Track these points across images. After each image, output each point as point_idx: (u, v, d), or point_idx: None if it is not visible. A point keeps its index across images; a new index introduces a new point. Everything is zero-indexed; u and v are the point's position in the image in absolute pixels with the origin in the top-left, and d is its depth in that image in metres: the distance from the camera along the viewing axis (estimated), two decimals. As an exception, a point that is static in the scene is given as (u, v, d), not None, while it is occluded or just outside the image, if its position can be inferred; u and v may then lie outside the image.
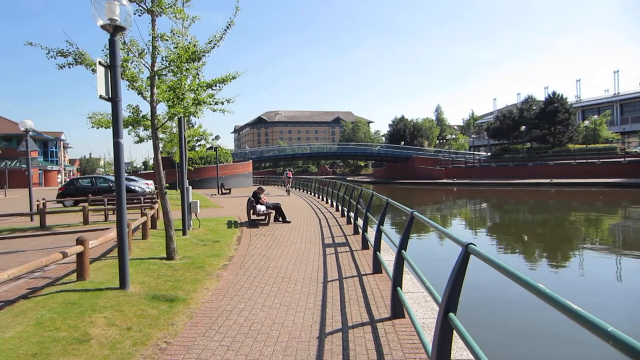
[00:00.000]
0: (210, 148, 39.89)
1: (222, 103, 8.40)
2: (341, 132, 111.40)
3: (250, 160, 50.37)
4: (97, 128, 8.63)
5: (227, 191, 30.24)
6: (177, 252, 7.45)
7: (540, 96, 58.91)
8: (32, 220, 14.73)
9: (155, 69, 7.23)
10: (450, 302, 2.62)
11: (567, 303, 1.45)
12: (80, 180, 23.49)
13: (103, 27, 5.42)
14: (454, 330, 2.58)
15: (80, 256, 5.59)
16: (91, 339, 3.84)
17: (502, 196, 35.13)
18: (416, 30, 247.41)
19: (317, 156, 70.25)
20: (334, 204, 17.20)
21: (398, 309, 4.46)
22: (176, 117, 8.84)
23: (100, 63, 5.43)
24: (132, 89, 7.27)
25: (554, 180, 39.63)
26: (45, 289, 5.42)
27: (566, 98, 51.54)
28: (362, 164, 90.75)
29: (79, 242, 5.55)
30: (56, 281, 5.84)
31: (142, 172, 67.99)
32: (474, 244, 2.54)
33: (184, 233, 10.00)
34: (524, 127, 50.67)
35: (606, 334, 1.22)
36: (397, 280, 4.46)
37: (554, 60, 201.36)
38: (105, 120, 8.16)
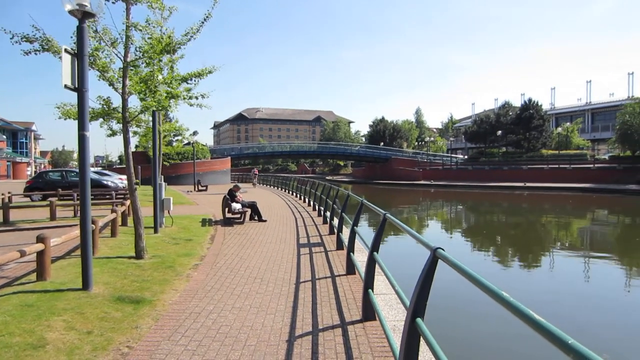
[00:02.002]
0: (188, 144, 39.27)
1: (197, 98, 8.25)
2: (322, 131, 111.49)
3: (229, 157, 49.80)
4: (66, 119, 8.31)
5: (204, 188, 29.81)
6: (147, 251, 7.25)
7: (517, 102, 60.28)
8: (-5, 214, 14.12)
9: (128, 59, 7.00)
10: (417, 307, 2.58)
11: (528, 312, 1.41)
12: (49, 174, 22.72)
13: (71, 12, 5.20)
14: (421, 336, 2.54)
15: (40, 255, 5.35)
16: (47, 344, 3.65)
17: (477, 198, 35.79)
18: (399, 33, 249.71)
19: (297, 155, 70.12)
20: (312, 203, 17.14)
21: (369, 311, 4.43)
22: (150, 111, 8.62)
23: (66, 50, 5.21)
24: (103, 79, 7.02)
25: (527, 184, 40.63)
26: (1, 290, 5.16)
27: (541, 105, 52.93)
28: (342, 163, 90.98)
29: (40, 239, 5.30)
30: (14, 281, 5.57)
31: (116, 166, 66.42)
32: (442, 249, 2.51)
33: (156, 231, 9.76)
34: (500, 131, 51.76)
35: (566, 347, 1.18)
36: (368, 282, 4.43)
37: (530, 69, 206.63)
38: (74, 111, 7.86)
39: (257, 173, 41.55)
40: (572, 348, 1.16)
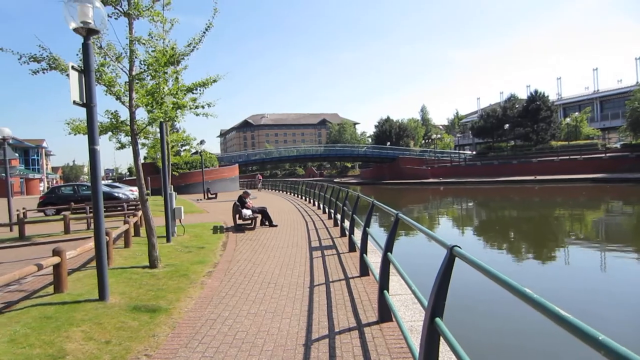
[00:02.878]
0: (196, 153, 39.52)
1: (204, 107, 8.30)
2: (327, 134, 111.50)
3: (237, 164, 50.04)
4: (75, 134, 8.41)
5: (213, 196, 29.95)
6: (160, 260, 7.28)
7: (523, 95, 59.87)
8: (11, 230, 14.33)
9: (133, 73, 7.06)
10: (436, 306, 2.55)
11: (554, 309, 1.38)
12: (62, 189, 22.99)
13: (76, 30, 5.26)
14: (441, 336, 2.51)
15: (57, 268, 5.40)
16: (67, 354, 3.67)
17: (487, 194, 35.49)
18: (401, 33, 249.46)
19: (304, 158, 70.17)
20: (321, 206, 17.12)
21: (385, 312, 4.39)
22: (157, 122, 8.68)
23: (73, 67, 5.27)
24: (110, 94, 7.09)
25: (538, 177, 40.21)
26: (20, 303, 5.21)
27: (548, 96, 52.45)
28: (349, 165, 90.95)
29: (56, 253, 5.35)
30: (32, 294, 5.63)
31: (126, 178, 67.08)
32: (458, 246, 2.47)
33: (168, 240, 9.81)
34: (507, 125, 51.39)
35: (597, 343, 1.15)
36: (383, 284, 4.39)
37: (535, 60, 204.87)
38: (83, 126, 7.94)
39: (261, 178, 46.54)
40: (603, 344, 1.12)
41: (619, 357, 1.06)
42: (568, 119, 52.47)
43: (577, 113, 54.43)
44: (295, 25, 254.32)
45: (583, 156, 42.28)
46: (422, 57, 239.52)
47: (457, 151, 64.00)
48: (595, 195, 28.73)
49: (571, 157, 43.18)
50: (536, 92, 52.30)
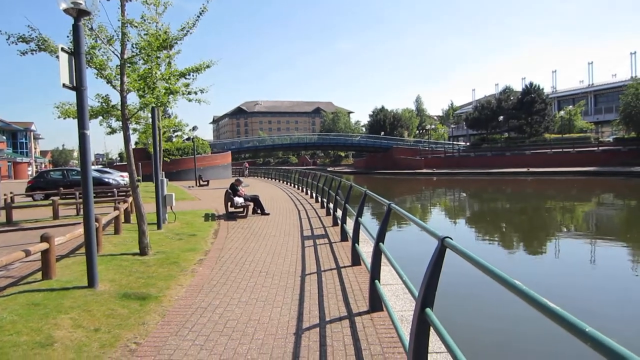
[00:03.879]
0: (188, 139, 39.19)
1: (196, 93, 8.20)
2: (321, 122, 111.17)
3: (229, 151, 49.73)
4: (65, 118, 8.30)
5: (205, 183, 29.84)
6: (151, 247, 7.27)
7: (518, 87, 60.03)
8: (-2, 215, 14.17)
9: (125, 56, 6.95)
10: (426, 297, 2.57)
11: (543, 301, 1.40)
12: (51, 173, 22.76)
13: (66, 10, 5.15)
14: (431, 326, 2.54)
15: (45, 254, 5.36)
16: (55, 342, 3.66)
17: (480, 185, 35.74)
18: (398, 23, 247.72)
19: (298, 147, 69.99)
20: (314, 195, 17.14)
21: (376, 302, 4.43)
22: (149, 107, 8.59)
23: (63, 49, 5.17)
24: (101, 77, 6.99)
25: (531, 170, 40.53)
26: (7, 290, 5.18)
27: (542, 89, 52.60)
28: (343, 154, 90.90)
29: (44, 239, 5.31)
30: (20, 281, 5.60)
31: (117, 163, 66.50)
32: (450, 238, 2.49)
33: (159, 227, 9.79)
34: (501, 117, 51.56)
35: (584, 335, 1.17)
36: (375, 273, 4.42)
37: (531, 53, 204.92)
38: (73, 110, 7.83)
39: (247, 166, 48.27)
40: (589, 335, 1.14)
41: (605, 349, 1.08)
42: (562, 112, 52.75)
43: (571, 106, 54.66)
44: (290, 11, 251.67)
45: (576, 149, 42.65)
46: (419, 46, 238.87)
47: (451, 142, 64.13)
48: (587, 188, 29.07)
49: (564, 150, 43.54)
50: (531, 84, 52.42)
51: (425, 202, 26.63)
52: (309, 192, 19.27)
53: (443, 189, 34.86)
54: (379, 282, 4.40)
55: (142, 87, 7.10)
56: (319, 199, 15.22)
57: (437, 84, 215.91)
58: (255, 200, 12.72)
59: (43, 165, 71.88)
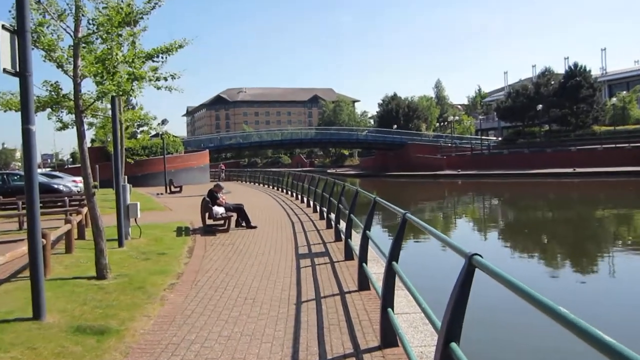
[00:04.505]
0: (156, 135, 39.18)
1: (166, 79, 8.23)
2: (320, 113, 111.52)
3: (207, 150, 49.85)
4: (5, 111, 8.32)
5: (178, 189, 29.85)
6: (111, 270, 7.26)
7: (560, 69, 60.19)
8: None
9: (80, 35, 6.97)
10: (451, 328, 2.57)
11: (598, 334, 1.39)
12: (-14, 178, 22.71)
13: (5, -20, 5.17)
14: (457, 365, 2.53)
15: (-20, 278, 5.34)
16: (-8, 387, 3.65)
17: (515, 190, 35.85)
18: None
19: (291, 144, 70.26)
20: (311, 203, 17.15)
21: (389, 335, 4.42)
22: (109, 97, 8.61)
23: (3, 27, 5.18)
24: (50, 60, 7.01)
25: (577, 170, 40.61)
26: None
27: (590, 71, 52.79)
28: (347, 153, 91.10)
29: (-21, 260, 5.29)
30: (-51, 311, 5.58)
31: (69, 166, 66.49)
32: (479, 255, 2.49)
33: (121, 244, 9.78)
34: (540, 105, 51.68)
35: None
36: (387, 300, 4.42)
37: (576, 27, 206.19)
38: (16, 101, 7.86)
39: (224, 168, 50.43)
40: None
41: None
42: (614, 99, 53.03)
43: (625, 92, 54.90)
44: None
45: (632, 144, 42.71)
46: (439, 22, 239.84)
47: (479, 137, 64.43)
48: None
49: (617, 145, 43.63)
50: (576, 65, 52.67)
51: (448, 211, 26.67)
52: (305, 199, 19.28)
53: (470, 195, 34.95)
54: (393, 310, 4.39)
55: (100, 71, 7.12)
56: (318, 208, 15.23)
57: (461, 66, 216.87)
58: (239, 210, 12.73)
59: (-22, 169, 71.85)
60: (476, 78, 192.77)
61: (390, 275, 4.39)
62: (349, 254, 8.25)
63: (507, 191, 35.85)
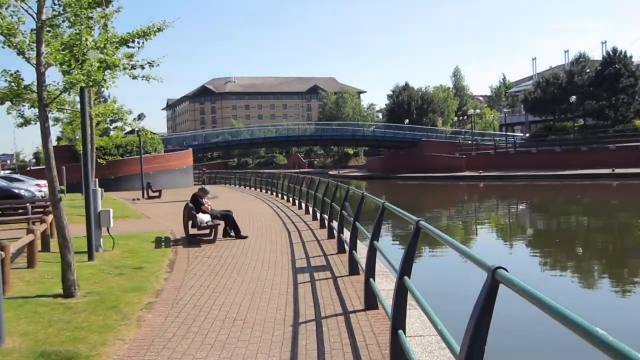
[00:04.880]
0: (131, 132, 39.24)
1: (143, 67, 8.23)
2: (320, 106, 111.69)
3: (190, 149, 49.86)
4: (-42, 105, 8.34)
5: (156, 194, 29.88)
6: (79, 286, 7.25)
7: (597, 54, 60.31)
8: None
9: (43, 17, 6.97)
10: (472, 354, 2.56)
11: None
12: (-63, 182, 22.73)
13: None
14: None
15: None
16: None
17: (545, 194, 35.85)
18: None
19: (287, 141, 70.22)
20: (310, 209, 17.15)
21: (400, 361, 4.41)
22: (77, 88, 8.61)
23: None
24: (10, 47, 7.02)
25: (617, 171, 40.59)
26: None
27: (631, 57, 52.86)
28: (351, 151, 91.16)
29: None
30: None
31: (32, 167, 66.54)
32: (503, 268, 2.49)
33: (91, 257, 9.77)
34: (574, 97, 51.72)
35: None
36: (398, 320, 4.41)
37: (615, 9, 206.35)
38: (-30, 94, 7.87)
39: (205, 170, 53.34)
40: None
41: None
42: (660, 89, 52.95)
43: (672, 81, 54.88)
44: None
45: (680, 142, 42.71)
46: (457, 2, 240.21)
47: (503, 133, 64.38)
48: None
49: (664, 142, 43.59)
50: (615, 50, 52.73)
51: (468, 218, 26.67)
52: (303, 205, 19.28)
53: (493, 200, 34.95)
54: (404, 332, 4.39)
55: (67, 59, 7.12)
56: (318, 215, 15.24)
57: (483, 51, 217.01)
58: (227, 217, 12.72)
59: None
60: (500, 65, 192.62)
61: (401, 292, 4.38)
62: (353, 268, 8.26)
63: (536, 195, 35.87)
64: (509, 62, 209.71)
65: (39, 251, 9.86)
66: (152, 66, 8.34)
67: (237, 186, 41.49)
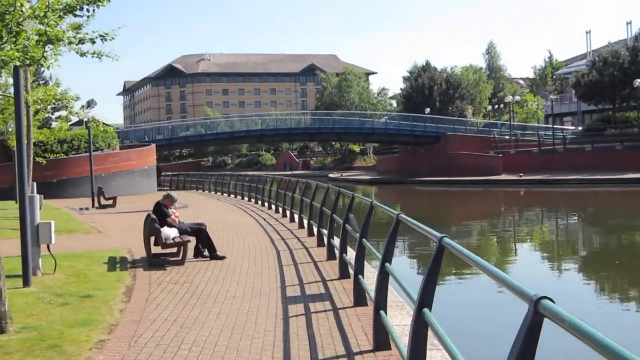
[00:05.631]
0: (79, 123, 39.17)
1: (94, 41, 8.24)
2: (319, 91, 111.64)
3: (153, 145, 49.77)
4: None
5: (110, 202, 29.85)
6: (12, 320, 7.24)
7: (667, 26, 60.32)
8: None
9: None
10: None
11: None
12: None
13: None
14: None
15: None
16: None
17: (603, 203, 35.85)
18: None
19: (276, 136, 70.14)
20: (305, 222, 17.15)
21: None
22: (9, 67, 8.64)
23: None
24: None
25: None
26: None
27: None
28: (357, 149, 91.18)
29: None
30: None
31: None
32: (549, 298, 2.50)
33: (27, 283, 9.74)
34: (638, 80, 51.76)
35: None
36: (416, 364, 4.42)
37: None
38: None
39: (165, 172, 55.23)
40: None
41: None
42: None
43: None
44: None
45: None
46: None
47: (549, 125, 64.45)
48: None
49: None
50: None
51: (504, 234, 26.67)
52: (295, 217, 19.28)
53: (536, 211, 34.92)
54: (424, 380, 4.40)
55: (-4, 31, 7.14)
56: (314, 229, 15.24)
57: (524, 23, 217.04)
58: (199, 232, 12.67)
59: None
60: (546, 41, 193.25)
61: (420, 328, 4.39)
62: (360, 298, 8.23)
63: (591, 204, 35.85)
64: (557, 37, 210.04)
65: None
66: (105, 40, 8.37)
67: (213, 192, 41.43)
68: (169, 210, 12.68)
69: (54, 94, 20.48)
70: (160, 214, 12.43)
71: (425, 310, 4.34)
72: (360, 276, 8.12)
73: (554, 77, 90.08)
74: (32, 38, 7.43)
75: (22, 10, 7.26)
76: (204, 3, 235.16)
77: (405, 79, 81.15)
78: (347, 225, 10.15)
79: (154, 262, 11.96)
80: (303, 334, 7.05)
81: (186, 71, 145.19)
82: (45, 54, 7.79)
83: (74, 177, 39.82)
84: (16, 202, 10.91)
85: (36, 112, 20.41)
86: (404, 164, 66.65)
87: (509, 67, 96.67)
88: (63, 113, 30.06)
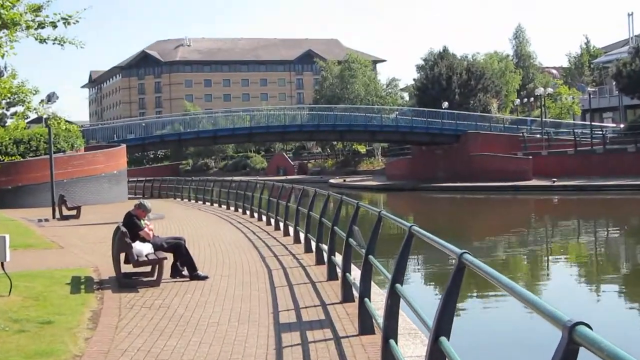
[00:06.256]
0: (38, 120, 39.17)
1: (56, 25, 8.28)
2: (318, 82, 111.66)
3: (124, 146, 49.81)
4: None
5: (74, 212, 29.86)
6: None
7: None
8: None
9: None
10: None
11: None
12: None
13: None
14: None
15: None
16: None
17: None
18: None
19: (267, 134, 70.16)
20: (301, 236, 17.16)
21: None
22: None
23: None
24: None
25: None
26: None
27: None
28: (363, 149, 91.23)
29: None
30: None
31: None
32: (586, 325, 2.52)
33: (-23, 306, 9.78)
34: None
35: None
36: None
37: None
38: None
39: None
40: None
41: None
42: None
43: None
44: None
45: None
46: None
47: (587, 122, 64.51)
48: None
49: None
50: None
51: (534, 249, 26.66)
52: (290, 230, 19.30)
53: (573, 222, 34.92)
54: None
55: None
56: (312, 244, 15.25)
57: (554, 3, 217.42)
58: (177, 248, 12.67)
59: None
60: (582, 25, 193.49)
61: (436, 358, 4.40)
62: (366, 324, 8.22)
63: (635, 215, 35.84)
64: (595, 20, 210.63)
65: None
66: (69, 23, 8.38)
67: (193, 201, 41.47)
68: (142, 222, 12.68)
69: (9, 87, 20.50)
70: (131, 227, 12.42)
71: (443, 339, 4.35)
72: (366, 299, 8.12)
73: (592, 66, 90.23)
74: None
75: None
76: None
77: (419, 67, 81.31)
78: (350, 239, 10.14)
79: (124, 283, 11.97)
80: (299, 367, 7.07)
81: (162, 59, 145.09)
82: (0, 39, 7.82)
83: (32, 183, 39.79)
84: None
85: (-12, 108, 20.41)
86: (418, 167, 66.67)
87: (540, 55, 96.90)
88: (19, 109, 30.12)
